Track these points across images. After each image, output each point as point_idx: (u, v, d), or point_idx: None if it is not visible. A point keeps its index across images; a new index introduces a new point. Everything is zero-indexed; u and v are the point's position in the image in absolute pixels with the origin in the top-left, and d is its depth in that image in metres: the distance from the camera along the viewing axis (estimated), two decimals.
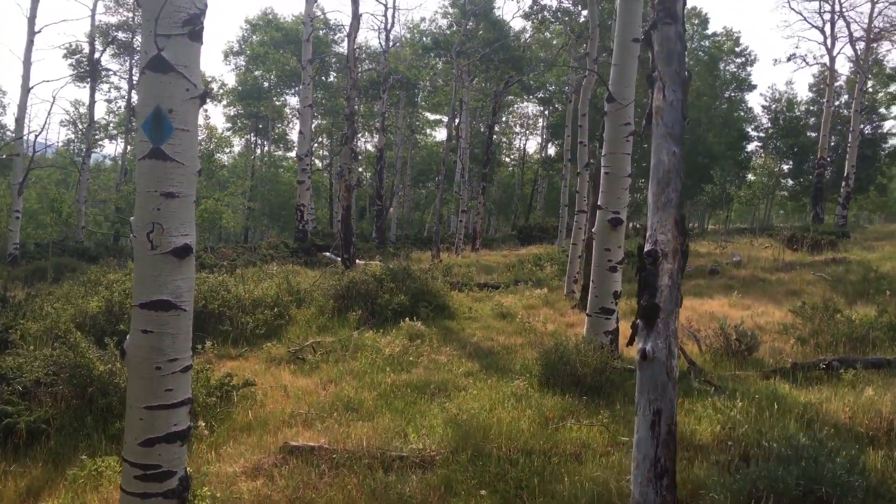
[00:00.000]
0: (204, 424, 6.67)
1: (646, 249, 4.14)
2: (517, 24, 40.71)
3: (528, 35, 31.35)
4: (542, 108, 58.28)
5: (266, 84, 51.82)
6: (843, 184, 35.03)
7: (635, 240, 20.35)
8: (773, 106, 52.83)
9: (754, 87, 54.83)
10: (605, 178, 8.85)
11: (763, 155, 55.28)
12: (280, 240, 30.12)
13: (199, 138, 38.17)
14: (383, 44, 30.16)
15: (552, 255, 21.25)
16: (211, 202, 22.66)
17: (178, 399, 3.74)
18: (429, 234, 48.87)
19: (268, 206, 46.34)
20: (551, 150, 57.25)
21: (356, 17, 18.24)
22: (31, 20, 23.98)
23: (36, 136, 24.83)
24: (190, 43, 3.59)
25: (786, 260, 19.05)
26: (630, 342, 4.30)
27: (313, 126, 56.30)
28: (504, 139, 60.63)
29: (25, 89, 24.12)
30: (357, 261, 21.22)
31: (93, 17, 31.01)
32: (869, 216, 65.39)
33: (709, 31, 52.26)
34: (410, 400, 7.45)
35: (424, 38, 39.68)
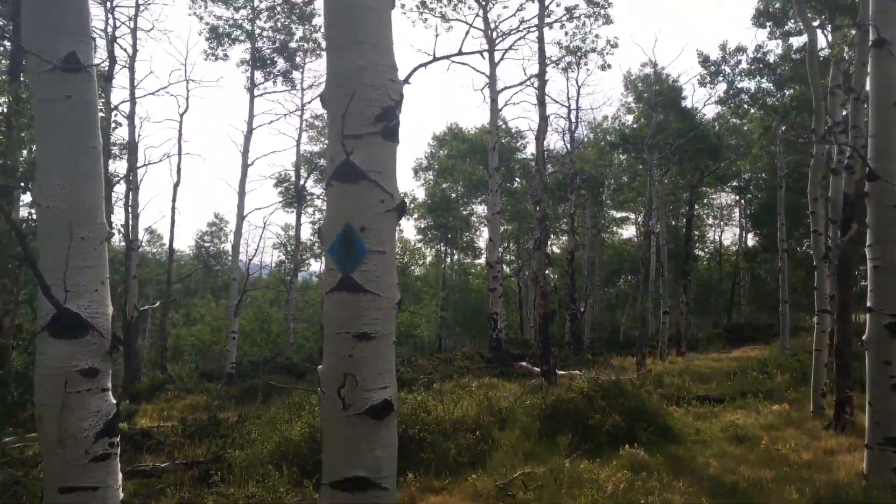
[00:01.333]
0: None
1: None
2: (709, 110, 39.06)
3: (722, 122, 29.54)
4: (737, 198, 54.85)
5: (453, 195, 53.34)
6: None
7: None
8: None
9: None
10: (874, 274, 7.14)
11: None
12: (474, 349, 29.56)
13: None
14: (568, 145, 29.70)
15: (778, 359, 18.66)
16: (406, 315, 22.59)
17: None
18: (625, 336, 46.42)
19: (459, 314, 46.51)
20: (751, 241, 53.37)
21: (544, 119, 17.79)
22: (245, 154, 26.10)
23: (249, 260, 26.44)
24: (384, 143, 2.85)
25: None
26: None
27: (500, 232, 57.06)
28: (696, 232, 57.42)
29: (240, 217, 26.01)
30: (558, 371, 19.93)
31: (297, 147, 33.44)
32: None
33: None
34: None
35: (608, 136, 38.93)
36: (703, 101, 62.98)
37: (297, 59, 28.79)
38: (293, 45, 27.98)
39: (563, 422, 11.44)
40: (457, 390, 16.94)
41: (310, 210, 46.55)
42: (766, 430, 11.26)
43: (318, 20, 29.01)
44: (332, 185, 2.84)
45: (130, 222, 23.84)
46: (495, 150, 25.87)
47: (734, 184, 50.67)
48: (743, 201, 53.84)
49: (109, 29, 21.64)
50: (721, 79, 25.14)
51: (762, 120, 27.60)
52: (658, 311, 30.43)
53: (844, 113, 14.88)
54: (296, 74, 29.79)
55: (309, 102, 32.20)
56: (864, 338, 7.28)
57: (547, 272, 37.51)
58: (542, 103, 17.86)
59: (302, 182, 34.91)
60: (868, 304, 7.21)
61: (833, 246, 14.10)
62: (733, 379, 17.49)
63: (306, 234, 55.48)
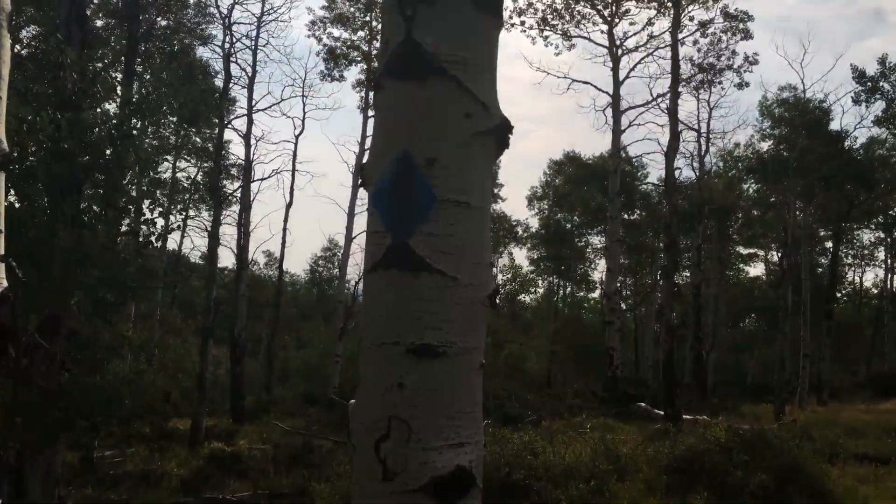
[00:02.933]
0: None
1: None
2: (861, 133, 35.50)
3: (877, 147, 26.49)
4: (882, 235, 50.09)
5: (569, 225, 51.58)
6: None
7: None
8: None
9: None
10: None
11: None
12: (586, 386, 27.71)
13: (503, 278, 37.69)
14: (696, 171, 27.62)
15: None
16: (515, 346, 21.26)
17: None
18: (753, 381, 42.87)
19: (571, 349, 44.46)
20: None
21: (675, 136, 16.22)
22: (356, 174, 25.74)
23: (357, 283, 25.93)
24: (474, 15, 1.63)
25: None
26: None
27: (619, 262, 54.66)
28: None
29: (349, 238, 25.63)
30: (682, 415, 17.96)
31: None
32: None
33: None
34: None
35: (740, 164, 36.19)
36: (854, 123, 58.45)
37: None
38: None
39: (696, 477, 9.75)
40: (569, 431, 15.45)
41: None
42: None
43: None
44: (383, 86, 1.65)
45: (241, 241, 23.82)
46: (616, 174, 24.28)
47: (880, 219, 46.37)
48: (889, 239, 49.14)
49: (227, 45, 21.82)
50: (879, 96, 22.50)
51: None
52: (795, 356, 27.54)
53: None
54: None
55: None
56: None
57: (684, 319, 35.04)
58: (674, 117, 16.30)
59: None
60: None
61: None
62: (894, 436, 14.98)
63: None
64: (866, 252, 54.71)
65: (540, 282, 58.62)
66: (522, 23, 25.96)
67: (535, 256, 55.14)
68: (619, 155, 24.33)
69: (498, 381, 23.93)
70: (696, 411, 21.85)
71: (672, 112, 16.11)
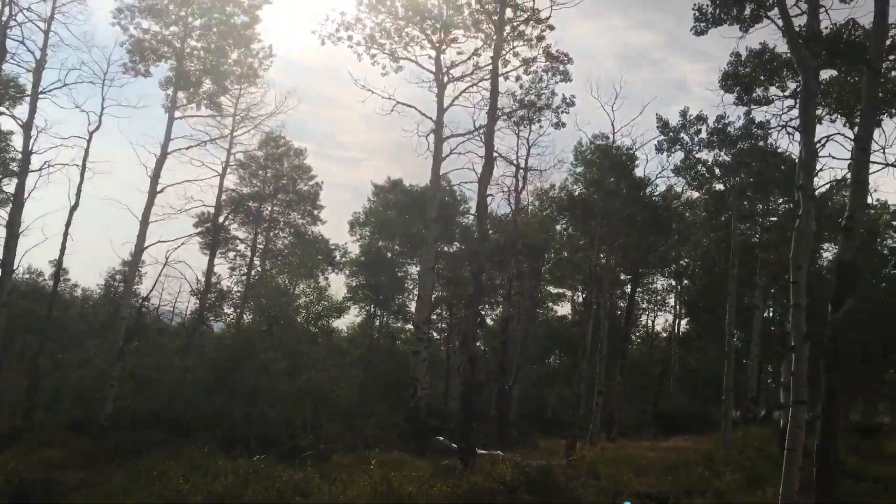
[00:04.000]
0: None
1: None
2: (663, 182, 37.84)
3: (674, 196, 28.25)
4: (673, 283, 54.25)
5: (389, 254, 51.11)
6: None
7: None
8: None
9: None
10: None
11: None
12: (390, 418, 26.80)
13: (305, 300, 35.61)
14: (512, 205, 28.00)
15: (723, 454, 16.67)
16: (313, 373, 20.00)
17: None
18: (553, 414, 44.15)
19: (381, 378, 43.61)
20: (684, 328, 52.56)
21: (489, 163, 15.97)
22: (154, 179, 23.50)
23: (144, 299, 23.48)
24: None
25: None
26: None
27: (433, 296, 54.80)
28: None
29: (139, 249, 23.21)
30: (477, 450, 17.51)
31: (221, 182, 30.51)
32: None
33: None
34: None
35: (553, 205, 37.46)
36: (655, 172, 63.15)
37: (228, 82, 26.51)
38: (225, 67, 25.76)
39: None
40: (360, 466, 14.45)
41: (230, 254, 43.63)
42: None
43: (257, 45, 26.99)
44: None
45: (8, 242, 20.71)
46: (434, 201, 23.93)
47: (672, 268, 50.19)
48: (679, 287, 53.24)
49: (4, 17, 18.96)
50: (679, 147, 23.98)
51: (713, 195, 26.41)
52: (590, 393, 28.44)
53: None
54: (225, 100, 27.50)
55: (239, 133, 29.82)
56: None
57: (478, 343, 35.29)
58: (489, 143, 16.08)
59: (222, 220, 32.16)
60: None
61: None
62: (674, 473, 15.37)
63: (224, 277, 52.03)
64: (659, 297, 59.09)
65: (356, 310, 57.59)
66: (350, 38, 25.17)
67: (354, 283, 54.08)
68: (438, 181, 23.99)
69: (297, 410, 22.40)
70: (494, 446, 21.66)
71: (487, 138, 15.92)
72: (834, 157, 15.33)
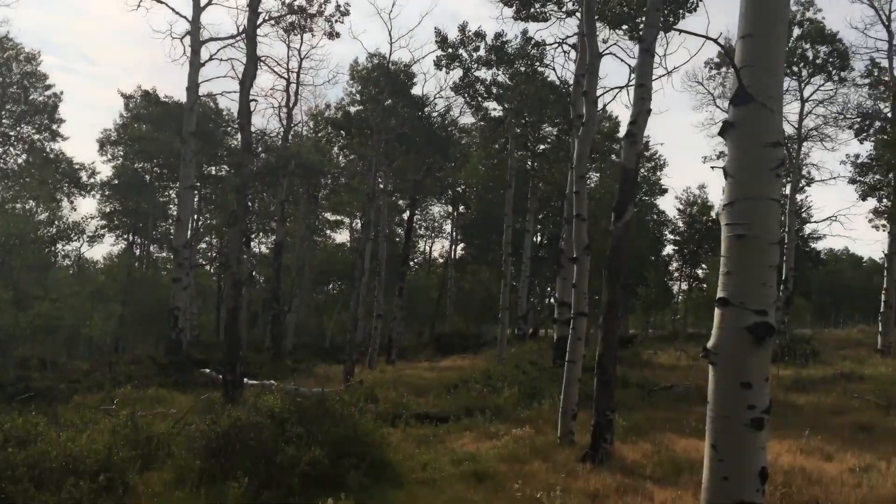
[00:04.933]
0: None
1: None
2: (443, 103, 37.34)
3: (454, 117, 27.80)
4: (450, 209, 55.36)
5: (148, 177, 46.41)
6: (782, 287, 32.85)
7: None
8: (688, 210, 52.08)
9: (665, 191, 54.13)
10: (734, 248, 4.63)
11: (679, 259, 54.10)
12: (149, 353, 24.30)
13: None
14: (283, 122, 25.95)
15: (502, 371, 16.75)
16: (47, 304, 17.10)
17: None
18: (332, 342, 43.53)
19: (139, 311, 39.88)
20: (460, 253, 54.15)
21: (252, 62, 14.03)
22: None
23: None
24: None
25: (787, 377, 15.58)
26: None
27: (200, 224, 51.01)
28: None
29: None
30: (247, 380, 16.07)
31: None
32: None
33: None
34: None
35: (329, 127, 35.66)
36: (433, 92, 63.28)
37: None
38: None
39: (241, 458, 7.78)
40: (104, 405, 12.46)
41: None
42: (508, 463, 8.67)
43: None
44: None
45: None
46: (193, 112, 21.30)
47: (449, 194, 51.03)
48: (455, 213, 54.42)
49: None
50: (458, 65, 23.32)
51: (489, 121, 26.27)
52: (370, 318, 27.85)
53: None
54: None
55: None
56: (708, 345, 4.70)
57: (250, 265, 33.10)
58: (251, 42, 14.08)
59: None
60: (718, 294, 4.65)
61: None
62: (454, 392, 15.10)
63: None
64: (436, 224, 60.29)
65: (113, 238, 52.25)
66: None
67: (108, 210, 48.67)
68: (195, 89, 21.30)
69: (30, 347, 19.27)
70: (267, 376, 20.28)
71: (249, 32, 13.94)
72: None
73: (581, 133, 10.69)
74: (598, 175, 44.73)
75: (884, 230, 24.64)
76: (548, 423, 11.09)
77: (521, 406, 12.80)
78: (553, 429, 10.33)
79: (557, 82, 23.59)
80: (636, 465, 8.34)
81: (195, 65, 21.38)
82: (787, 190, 34.93)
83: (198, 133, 22.69)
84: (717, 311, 4.64)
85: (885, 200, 23.25)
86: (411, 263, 57.14)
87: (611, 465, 8.27)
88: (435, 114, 26.03)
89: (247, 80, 14.04)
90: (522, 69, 22.45)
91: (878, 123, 28.55)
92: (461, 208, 52.90)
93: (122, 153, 45.54)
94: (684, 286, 57.42)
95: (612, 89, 22.62)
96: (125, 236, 52.93)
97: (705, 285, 52.67)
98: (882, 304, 23.61)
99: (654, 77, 9.43)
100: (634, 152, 8.67)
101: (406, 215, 40.17)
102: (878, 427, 10.54)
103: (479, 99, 24.27)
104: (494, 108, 26.35)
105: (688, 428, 10.32)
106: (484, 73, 23.62)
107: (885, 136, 21.97)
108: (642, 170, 53.46)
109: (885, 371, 16.83)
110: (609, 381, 8.45)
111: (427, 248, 65.08)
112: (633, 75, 8.94)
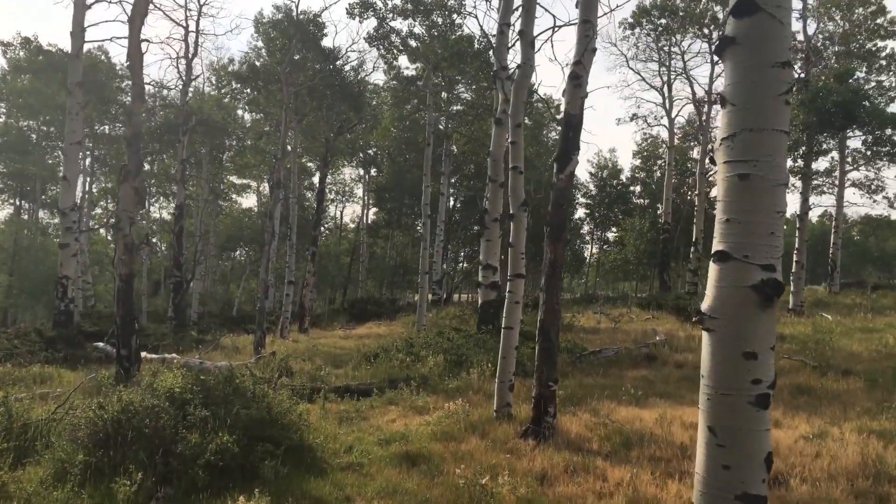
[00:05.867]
0: None
1: None
2: (355, 57, 35.59)
3: (370, 68, 26.45)
4: (362, 172, 53.88)
5: (34, 137, 42.85)
6: (693, 249, 33.46)
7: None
8: (600, 173, 52.58)
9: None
10: (735, 191, 3.89)
11: (590, 222, 54.70)
12: (37, 325, 22.21)
13: None
14: (183, 76, 23.97)
15: (425, 338, 15.94)
16: None
17: None
18: (240, 311, 41.79)
19: (28, 281, 36.98)
20: (372, 217, 53.00)
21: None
22: None
23: None
24: None
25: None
26: None
27: (95, 188, 47.71)
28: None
29: None
30: (145, 354, 14.65)
31: None
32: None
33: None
34: None
35: (233, 82, 33.51)
36: (346, 45, 60.94)
37: None
38: None
39: (134, 449, 6.66)
40: None
41: None
42: (442, 442, 7.87)
43: None
44: None
45: None
46: (79, 59, 19.18)
47: (361, 157, 49.69)
48: (367, 176, 53.05)
49: None
50: (372, 13, 21.96)
51: (402, 81, 25.08)
52: (281, 284, 26.46)
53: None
54: None
55: None
56: (703, 307, 3.98)
57: (148, 230, 30.96)
58: None
59: None
60: (715, 247, 3.91)
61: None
62: (374, 362, 14.22)
63: None
64: (347, 188, 58.78)
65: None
66: None
67: None
68: (81, 34, 19.16)
69: None
70: (169, 349, 18.82)
71: None
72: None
73: (518, 77, 9.86)
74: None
75: (796, 190, 25.13)
76: (479, 394, 10.39)
77: (449, 375, 12.04)
78: (486, 400, 9.62)
79: (479, 33, 22.70)
80: (581, 440, 7.71)
81: (80, 5, 19.21)
82: (696, 153, 35.46)
83: (85, 83, 20.55)
84: (713, 267, 3.90)
85: (799, 161, 23.62)
86: (323, 228, 55.49)
87: (556, 441, 7.60)
88: (348, 67, 24.60)
89: (136, 18, 12.44)
90: (440, 20, 21.38)
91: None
92: (373, 171, 51.62)
93: (4, 110, 41.73)
94: (595, 249, 58.36)
95: (546, 30, 21.83)
96: (11, 201, 49.30)
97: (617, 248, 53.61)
98: (794, 263, 24.12)
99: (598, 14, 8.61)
100: (579, 95, 7.89)
101: (317, 178, 38.68)
102: (818, 389, 10.36)
103: (395, 52, 23.05)
104: (407, 67, 25.21)
105: (625, 395, 9.83)
106: (400, 24, 22.41)
107: (800, 97, 22.18)
108: (552, 132, 53.29)
109: (804, 330, 17.03)
110: (551, 349, 7.75)
111: (338, 212, 63.61)
112: (577, 9, 8.06)
